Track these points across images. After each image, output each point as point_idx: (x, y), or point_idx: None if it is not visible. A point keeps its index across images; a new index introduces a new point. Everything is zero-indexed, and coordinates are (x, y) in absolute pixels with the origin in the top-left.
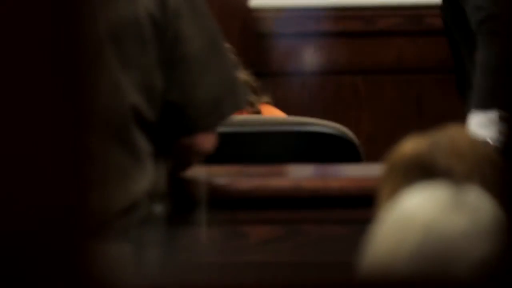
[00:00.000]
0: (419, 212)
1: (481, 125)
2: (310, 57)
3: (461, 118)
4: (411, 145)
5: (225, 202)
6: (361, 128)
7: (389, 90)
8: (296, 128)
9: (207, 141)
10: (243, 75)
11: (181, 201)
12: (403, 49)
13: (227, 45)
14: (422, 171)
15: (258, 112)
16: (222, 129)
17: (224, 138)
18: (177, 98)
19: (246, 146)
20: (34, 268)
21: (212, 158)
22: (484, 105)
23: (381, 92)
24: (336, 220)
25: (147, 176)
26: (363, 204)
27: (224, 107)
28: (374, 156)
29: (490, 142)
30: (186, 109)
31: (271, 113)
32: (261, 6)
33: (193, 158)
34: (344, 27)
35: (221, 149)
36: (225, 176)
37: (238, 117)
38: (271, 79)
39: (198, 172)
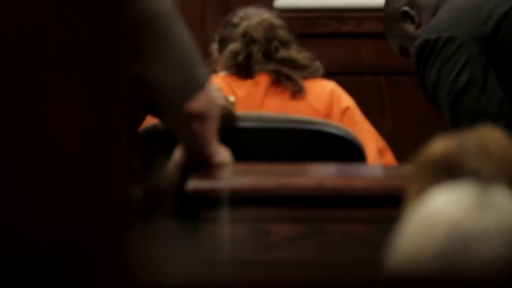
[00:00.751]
0: (445, 212)
1: None
2: (334, 58)
3: None
4: (439, 145)
5: (249, 200)
6: (383, 128)
7: (412, 91)
8: (293, 126)
9: (197, 103)
10: (292, 51)
11: (205, 199)
12: None
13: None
14: (449, 171)
15: (301, 89)
16: (232, 124)
17: (233, 133)
18: (144, 74)
19: (243, 142)
20: (75, 262)
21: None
22: None
23: (404, 93)
24: (359, 219)
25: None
26: (386, 204)
27: (198, 73)
28: (396, 156)
29: None
30: (158, 86)
31: (318, 88)
32: (285, 6)
33: (195, 126)
34: (368, 28)
35: (230, 145)
36: (249, 174)
37: (249, 113)
38: None
39: (222, 169)
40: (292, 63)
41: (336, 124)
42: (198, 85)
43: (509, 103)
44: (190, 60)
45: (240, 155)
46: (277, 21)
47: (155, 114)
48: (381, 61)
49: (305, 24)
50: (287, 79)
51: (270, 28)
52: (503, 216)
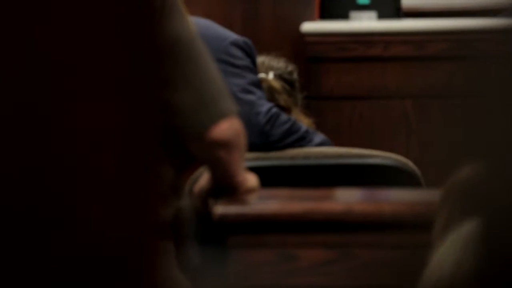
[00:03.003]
0: (476, 236)
1: None
2: (360, 82)
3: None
4: (465, 172)
5: (277, 225)
6: (409, 152)
7: (438, 115)
8: (356, 161)
9: (221, 131)
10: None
11: (232, 224)
12: (452, 73)
13: (289, 66)
14: (475, 197)
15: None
16: (283, 162)
17: (285, 171)
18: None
19: (307, 180)
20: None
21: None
22: None
23: (430, 117)
24: (387, 244)
25: (166, 171)
26: (415, 229)
27: (223, 103)
28: (423, 181)
29: None
30: (182, 112)
31: None
32: (312, 31)
33: (220, 153)
34: (395, 52)
35: (282, 182)
36: (277, 199)
37: (299, 151)
38: (321, 103)
39: (251, 195)
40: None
41: (386, 154)
42: (222, 114)
43: None
44: (215, 89)
45: None
46: (277, 84)
47: (183, 141)
48: (408, 85)
49: (332, 49)
50: None
51: (269, 91)
52: None
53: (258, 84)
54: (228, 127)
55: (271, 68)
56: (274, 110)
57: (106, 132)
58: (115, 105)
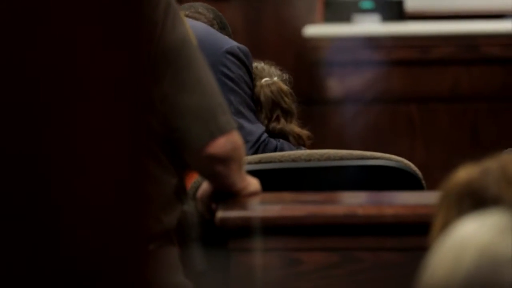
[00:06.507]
0: (472, 238)
1: None
2: (364, 86)
3: None
4: (463, 174)
5: (280, 228)
6: (414, 156)
7: (443, 119)
8: (358, 163)
9: (218, 146)
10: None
11: (234, 228)
12: (458, 77)
13: (284, 74)
14: (473, 199)
15: None
16: (285, 164)
17: (287, 174)
18: (164, 109)
19: (309, 182)
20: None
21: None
22: None
23: (435, 121)
24: (390, 247)
25: (170, 177)
26: (417, 232)
27: (219, 117)
28: (427, 184)
29: None
30: (179, 127)
31: None
32: (315, 35)
33: (217, 168)
34: (399, 56)
35: (284, 184)
36: (279, 203)
37: (301, 152)
38: (325, 107)
39: (253, 199)
40: (287, 138)
41: (388, 156)
42: (220, 129)
43: None
44: (215, 102)
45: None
46: (284, 87)
47: (181, 153)
48: (413, 88)
49: (334, 53)
50: None
51: (277, 93)
52: None
53: (249, 101)
54: (226, 142)
55: (274, 75)
56: (263, 138)
57: (103, 138)
58: (113, 113)
